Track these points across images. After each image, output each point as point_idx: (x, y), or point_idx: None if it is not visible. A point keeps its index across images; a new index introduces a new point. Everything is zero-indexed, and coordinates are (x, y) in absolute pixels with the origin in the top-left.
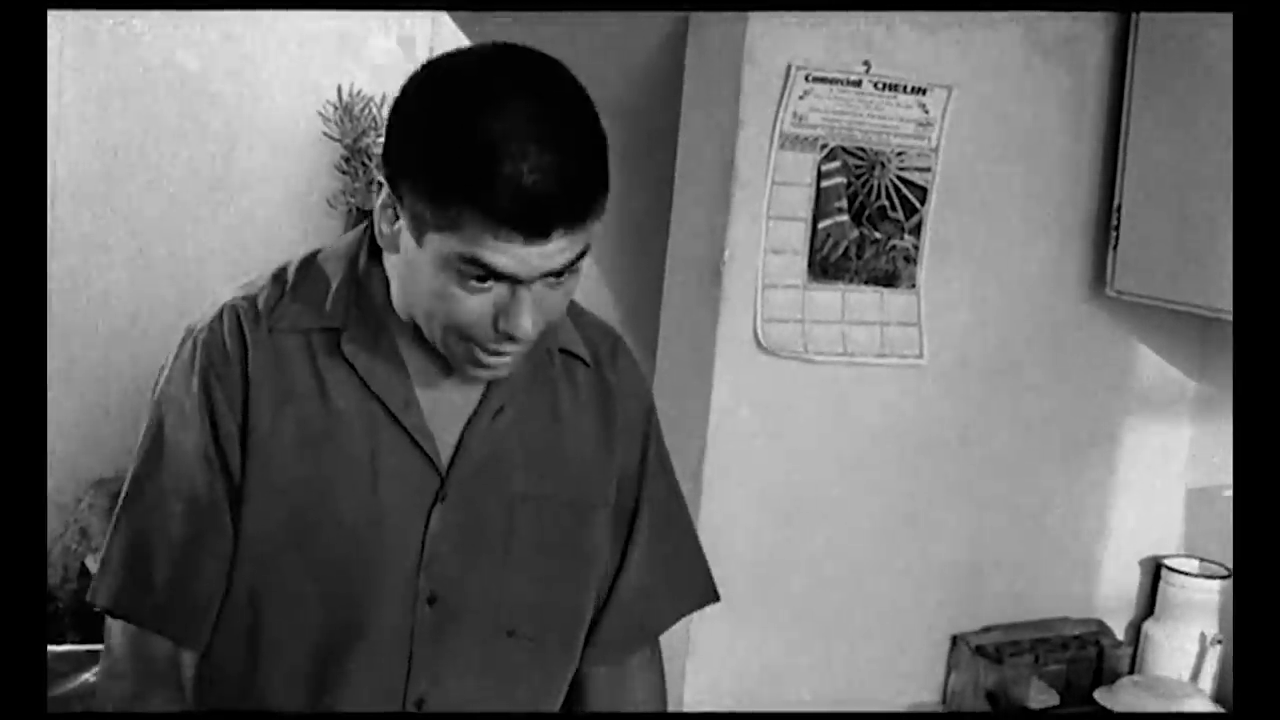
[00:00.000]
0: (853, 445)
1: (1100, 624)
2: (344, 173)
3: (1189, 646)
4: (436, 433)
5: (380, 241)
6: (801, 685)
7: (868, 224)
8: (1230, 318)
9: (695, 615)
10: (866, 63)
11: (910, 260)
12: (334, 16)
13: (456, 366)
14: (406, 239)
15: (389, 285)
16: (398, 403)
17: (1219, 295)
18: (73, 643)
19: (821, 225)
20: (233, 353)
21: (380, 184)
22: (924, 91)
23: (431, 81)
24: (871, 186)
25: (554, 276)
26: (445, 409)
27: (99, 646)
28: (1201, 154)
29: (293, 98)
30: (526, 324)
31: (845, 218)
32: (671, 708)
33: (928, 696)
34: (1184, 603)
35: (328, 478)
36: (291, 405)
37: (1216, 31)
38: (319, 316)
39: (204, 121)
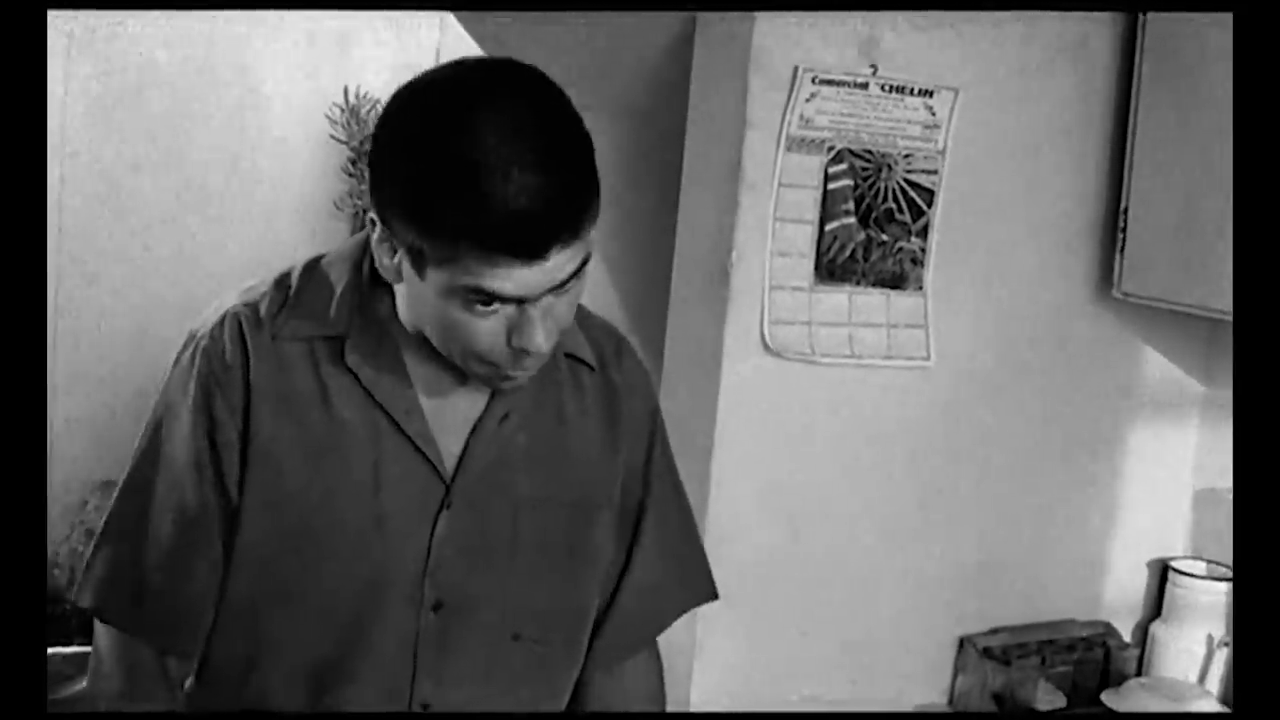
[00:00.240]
0: (859, 447)
1: (1107, 626)
2: (350, 175)
3: (1196, 648)
4: (441, 440)
5: (384, 274)
6: (808, 686)
7: (874, 226)
8: None
9: (702, 616)
10: (873, 65)
11: (917, 262)
12: (340, 17)
13: (483, 383)
14: (408, 272)
15: (393, 292)
16: (401, 411)
17: (1225, 297)
18: (79, 645)
19: (828, 227)
20: (233, 360)
21: (373, 221)
22: (931, 94)
23: (404, 112)
24: (878, 189)
25: (558, 288)
26: (450, 416)
27: None
28: (1208, 156)
29: (299, 100)
30: (540, 339)
31: (852, 220)
32: (678, 708)
33: (935, 698)
34: (1191, 604)
35: (331, 486)
36: (294, 413)
37: (1223, 33)
38: (322, 324)
39: (210, 123)
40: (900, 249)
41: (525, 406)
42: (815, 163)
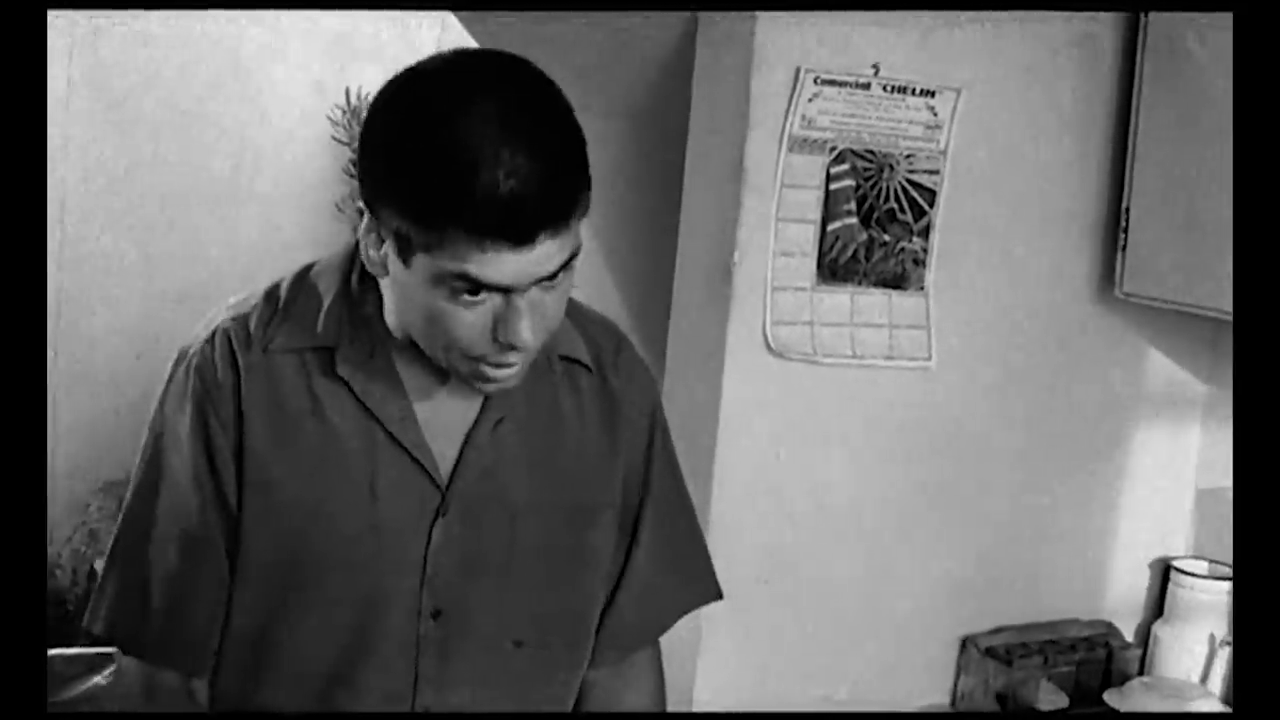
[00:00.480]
0: (861, 447)
1: (1109, 626)
2: (352, 176)
3: (1198, 648)
4: (436, 447)
5: (369, 268)
6: (811, 686)
7: (876, 226)
8: None
9: (705, 616)
10: (875, 65)
11: (919, 263)
12: (342, 18)
13: (465, 382)
14: (394, 262)
15: (383, 299)
16: (394, 420)
17: (1227, 297)
18: (82, 645)
19: (830, 228)
20: (224, 378)
21: (361, 210)
22: (932, 94)
23: (395, 100)
24: (880, 189)
25: (546, 280)
26: (444, 422)
27: (110, 650)
28: (1210, 156)
29: (301, 101)
30: (525, 332)
31: (854, 220)
32: (682, 708)
33: (937, 698)
34: (1193, 604)
35: (327, 497)
36: (287, 426)
37: (1225, 32)
38: (312, 335)
39: (212, 125)
40: (902, 249)
41: (520, 411)
42: (817, 163)
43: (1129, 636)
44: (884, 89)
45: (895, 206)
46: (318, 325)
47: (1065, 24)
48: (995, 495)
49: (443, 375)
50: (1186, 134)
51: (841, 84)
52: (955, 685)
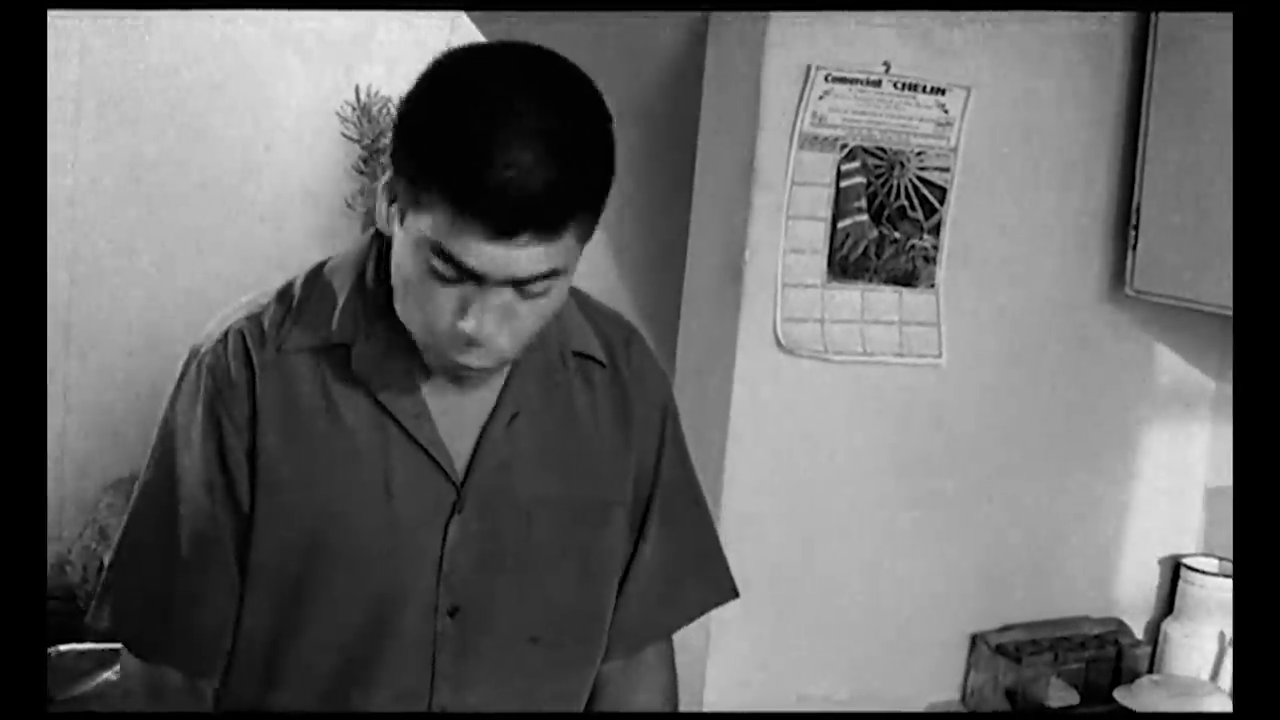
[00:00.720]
0: (872, 444)
1: (1119, 623)
2: (362, 173)
3: (1208, 645)
4: (450, 443)
5: (379, 225)
6: (821, 684)
7: (887, 224)
8: None
9: (716, 614)
10: (886, 63)
11: (929, 260)
12: (351, 17)
13: (432, 368)
14: (394, 220)
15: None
16: (409, 417)
17: None
18: (92, 641)
19: (841, 225)
20: (238, 377)
21: (383, 165)
22: (943, 92)
23: (440, 70)
24: (891, 186)
25: (520, 285)
26: (458, 418)
27: (119, 645)
28: (1220, 154)
29: (310, 98)
30: (485, 327)
31: (865, 217)
32: (692, 707)
33: (947, 695)
34: (1203, 602)
35: (342, 495)
36: (302, 425)
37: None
38: (327, 333)
39: (222, 123)
40: (912, 246)
41: (534, 406)
42: (828, 160)
43: (1139, 634)
44: (895, 86)
45: (906, 204)
46: (332, 323)
47: (1076, 23)
48: (1005, 492)
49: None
50: (1196, 132)
51: (852, 81)
52: (965, 682)
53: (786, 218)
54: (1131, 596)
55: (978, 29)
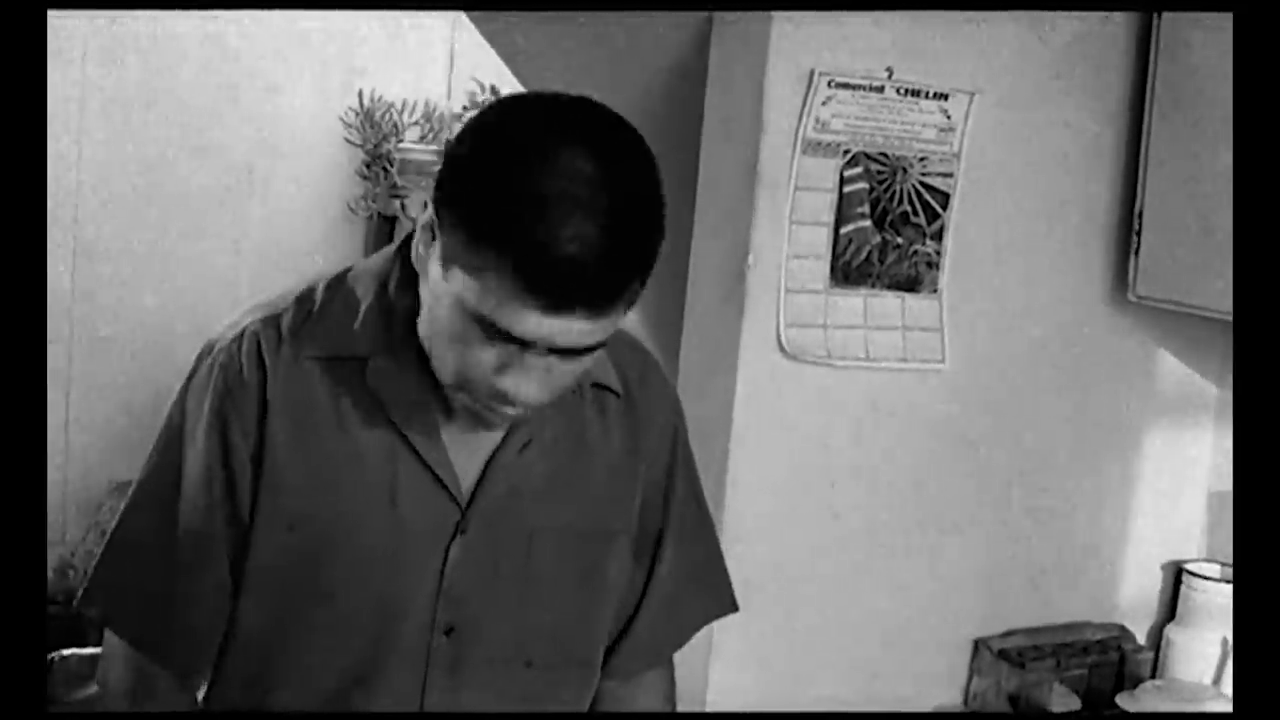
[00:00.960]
0: (874, 450)
1: (1122, 628)
2: (365, 177)
3: (1210, 651)
4: (459, 464)
5: (414, 261)
6: (823, 688)
7: (890, 229)
8: None
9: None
10: (889, 68)
11: (932, 265)
12: (354, 19)
13: (456, 410)
14: (435, 266)
15: (418, 312)
16: (419, 435)
17: None
18: (95, 645)
19: (844, 230)
20: (250, 379)
21: (427, 203)
22: (946, 97)
23: (497, 123)
24: (894, 192)
25: (564, 353)
26: (470, 440)
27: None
28: (1223, 158)
29: (313, 102)
30: (525, 392)
31: (868, 223)
32: (693, 708)
33: (950, 700)
34: (1205, 607)
35: (345, 508)
36: (310, 434)
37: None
38: (345, 343)
39: (225, 126)
40: (915, 252)
41: (547, 435)
42: (831, 166)
43: (1141, 639)
44: (898, 92)
45: (909, 209)
46: (351, 333)
47: (1077, 26)
48: (1007, 497)
49: None
50: (1199, 137)
51: (855, 87)
52: (967, 687)
53: (790, 223)
54: (1134, 602)
55: (981, 34)
